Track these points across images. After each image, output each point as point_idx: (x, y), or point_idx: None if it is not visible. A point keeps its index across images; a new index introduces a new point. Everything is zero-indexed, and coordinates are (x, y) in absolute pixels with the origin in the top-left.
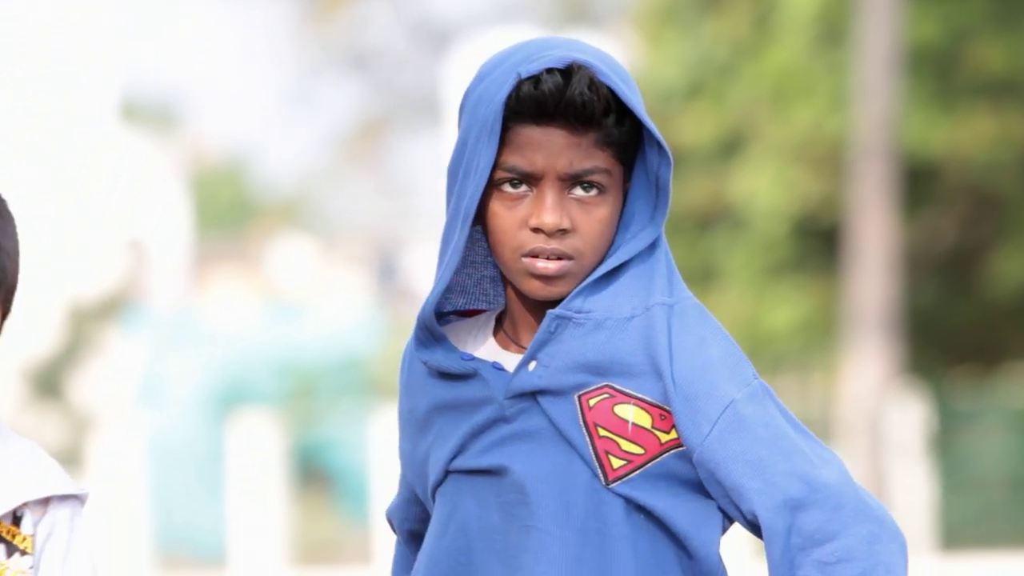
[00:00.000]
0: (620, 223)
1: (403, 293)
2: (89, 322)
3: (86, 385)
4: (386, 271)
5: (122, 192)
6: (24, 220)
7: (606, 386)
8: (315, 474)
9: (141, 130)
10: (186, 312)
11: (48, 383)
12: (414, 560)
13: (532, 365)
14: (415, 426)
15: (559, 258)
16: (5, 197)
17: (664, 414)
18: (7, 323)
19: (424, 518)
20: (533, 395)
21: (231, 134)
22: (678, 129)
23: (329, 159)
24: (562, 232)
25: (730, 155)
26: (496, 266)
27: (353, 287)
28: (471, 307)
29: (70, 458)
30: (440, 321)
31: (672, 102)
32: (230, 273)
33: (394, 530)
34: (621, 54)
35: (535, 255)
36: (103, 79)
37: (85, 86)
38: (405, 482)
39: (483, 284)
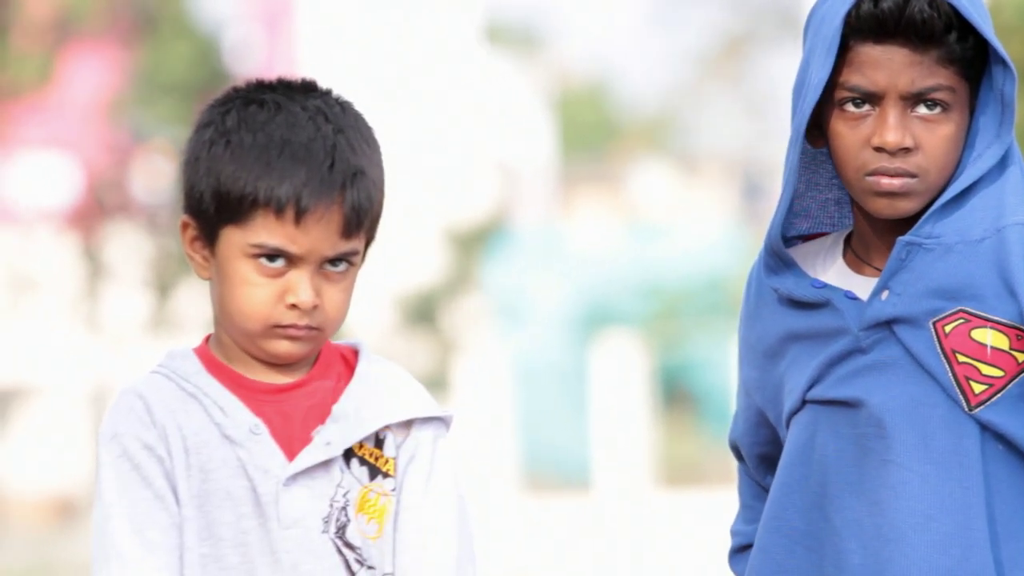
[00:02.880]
0: (966, 142)
1: (768, 213)
2: (461, 248)
3: (455, 309)
4: (750, 191)
5: (488, 116)
6: (395, 148)
7: (960, 311)
8: (679, 395)
9: (505, 53)
10: (551, 234)
11: (420, 309)
12: (762, 486)
13: (885, 294)
14: (764, 353)
15: (902, 176)
16: (372, 125)
17: (1021, 334)
18: (377, 251)
19: (774, 439)
20: (888, 324)
21: (594, 55)
22: None
23: (692, 78)
24: (905, 151)
25: None
26: (841, 188)
27: (716, 207)
28: (815, 231)
29: (436, 382)
30: (786, 245)
31: None
32: (593, 195)
33: (740, 457)
34: None
35: (879, 173)
36: (467, 3)
37: (450, 10)
38: (751, 407)
39: (827, 207)
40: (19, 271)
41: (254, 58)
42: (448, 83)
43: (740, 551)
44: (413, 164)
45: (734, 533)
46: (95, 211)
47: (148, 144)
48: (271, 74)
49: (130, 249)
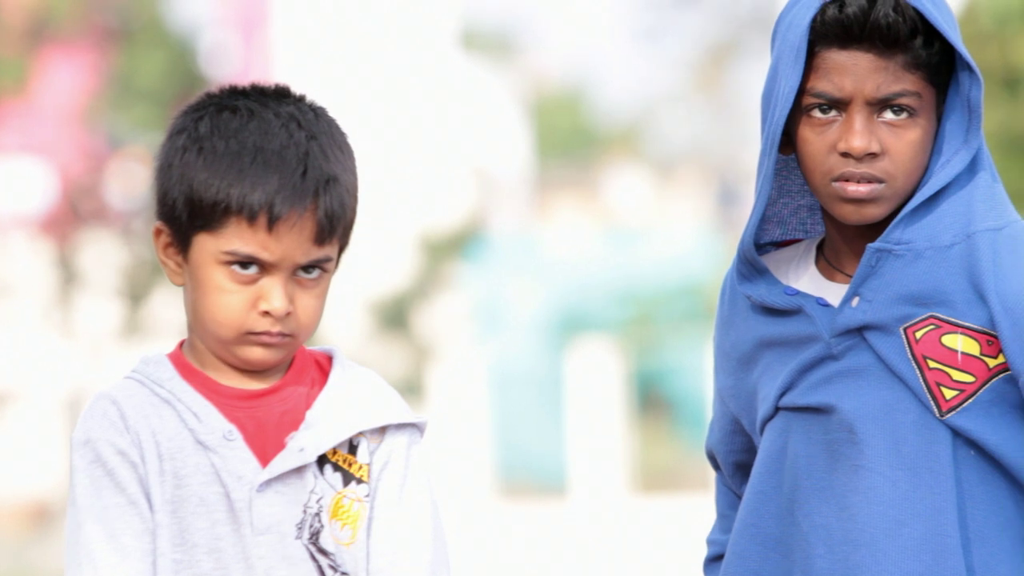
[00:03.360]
0: (934, 147)
1: (743, 219)
2: (436, 253)
3: (430, 315)
4: (726, 197)
5: (464, 121)
6: (371, 153)
7: (931, 317)
8: (655, 401)
9: (481, 59)
10: (526, 240)
11: (394, 314)
12: (738, 495)
13: (855, 301)
14: (738, 360)
15: (869, 181)
16: (346, 130)
17: (991, 339)
18: (351, 257)
19: (749, 448)
20: (859, 331)
21: (571, 61)
22: (1017, 50)
23: (670, 85)
24: (871, 156)
25: None
26: (813, 194)
27: (692, 214)
28: (788, 237)
29: (411, 387)
30: (759, 252)
31: (1010, 23)
32: (569, 200)
33: (716, 466)
34: None
35: (845, 179)
36: (443, 8)
37: (427, 16)
38: (726, 415)
39: (800, 213)
40: None
41: (230, 64)
42: (424, 88)
43: (716, 560)
44: (389, 169)
45: (710, 542)
46: (69, 217)
47: (124, 150)
48: (247, 80)
49: (104, 256)
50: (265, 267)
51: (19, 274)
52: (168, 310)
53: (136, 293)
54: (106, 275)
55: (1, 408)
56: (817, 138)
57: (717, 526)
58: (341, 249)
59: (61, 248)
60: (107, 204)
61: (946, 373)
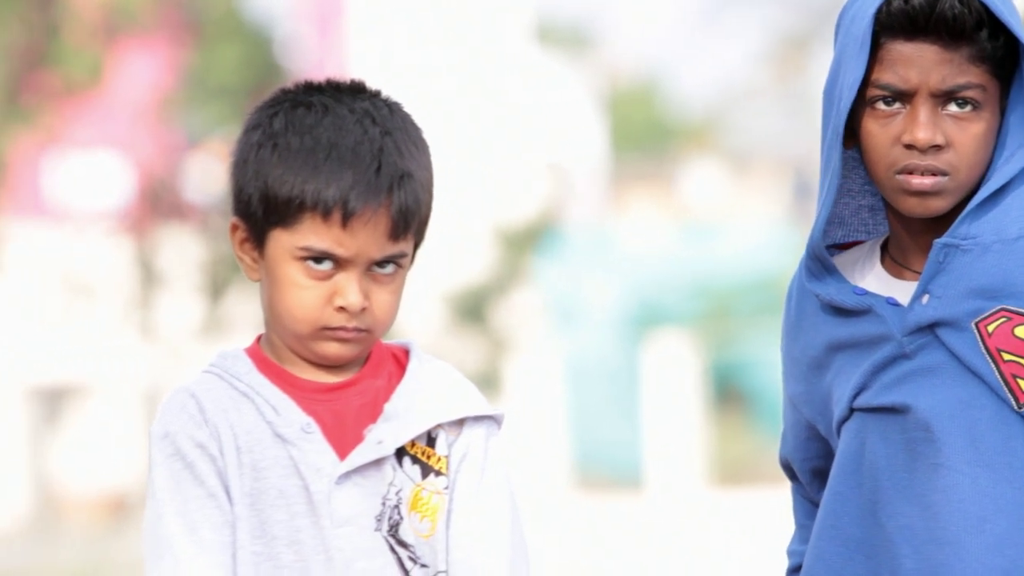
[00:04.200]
0: (997, 141)
1: None
2: (512, 247)
3: (506, 308)
4: (801, 190)
5: (539, 115)
6: (446, 147)
7: (1001, 310)
8: (731, 394)
9: (556, 53)
10: (602, 234)
11: (470, 308)
12: (815, 503)
13: (925, 298)
14: (809, 365)
15: (933, 174)
16: (421, 126)
17: None
18: (427, 250)
19: (826, 453)
20: (931, 328)
21: (646, 55)
22: None
23: (743, 77)
24: (936, 148)
25: None
26: (874, 194)
27: (767, 207)
28: (850, 239)
29: (488, 380)
30: None
31: None
32: (644, 194)
33: (792, 475)
34: None
35: (909, 171)
36: (518, 2)
37: (501, 10)
38: (800, 422)
39: (861, 213)
40: (72, 272)
41: (305, 56)
42: (499, 82)
43: (796, 571)
44: (464, 163)
45: (790, 553)
46: (148, 213)
47: (201, 145)
48: (322, 74)
49: (183, 252)
50: (340, 263)
51: (98, 270)
52: (246, 306)
53: (215, 289)
54: (185, 271)
55: (81, 400)
56: (881, 130)
57: (796, 536)
58: (416, 244)
59: (140, 244)
60: (185, 200)
61: (1022, 365)
